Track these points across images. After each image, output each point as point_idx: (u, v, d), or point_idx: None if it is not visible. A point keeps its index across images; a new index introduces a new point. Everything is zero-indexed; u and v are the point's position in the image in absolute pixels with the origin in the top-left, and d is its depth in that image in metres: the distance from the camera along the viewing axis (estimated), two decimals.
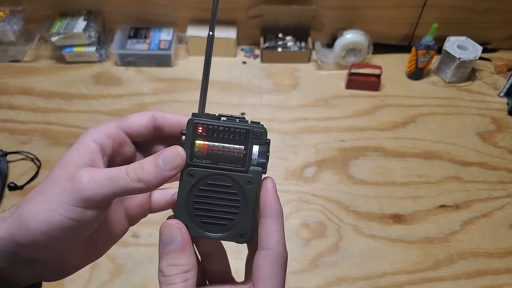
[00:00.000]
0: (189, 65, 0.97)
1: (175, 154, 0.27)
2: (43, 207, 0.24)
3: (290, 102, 0.89)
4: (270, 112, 0.86)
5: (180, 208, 0.28)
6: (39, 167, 0.75)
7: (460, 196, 0.73)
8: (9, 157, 0.76)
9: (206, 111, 0.29)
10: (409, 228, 0.68)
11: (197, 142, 0.28)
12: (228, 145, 0.28)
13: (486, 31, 0.99)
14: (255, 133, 0.29)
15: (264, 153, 0.30)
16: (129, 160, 0.30)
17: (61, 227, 0.24)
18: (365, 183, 0.74)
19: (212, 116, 0.28)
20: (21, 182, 0.73)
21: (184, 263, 0.26)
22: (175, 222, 0.27)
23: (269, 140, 0.30)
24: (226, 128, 0.28)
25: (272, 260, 0.27)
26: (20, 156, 0.76)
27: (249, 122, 0.29)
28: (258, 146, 0.29)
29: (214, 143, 0.28)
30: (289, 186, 0.73)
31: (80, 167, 0.26)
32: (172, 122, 0.30)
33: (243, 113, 0.85)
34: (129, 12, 0.98)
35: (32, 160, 0.76)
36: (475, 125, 0.85)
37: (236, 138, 0.29)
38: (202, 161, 0.28)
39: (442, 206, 0.72)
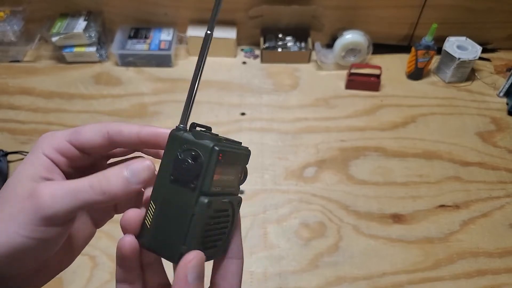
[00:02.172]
0: (189, 65, 0.97)
1: (144, 167, 0.25)
2: (2, 229, 0.23)
3: (290, 102, 0.89)
4: (270, 112, 0.86)
5: (195, 238, 0.26)
6: None
7: (460, 196, 0.73)
8: (9, 157, 0.76)
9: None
10: (409, 228, 0.68)
11: (217, 169, 0.26)
12: (230, 169, 0.28)
13: (486, 31, 0.99)
14: (248, 156, 0.29)
15: (246, 172, 0.30)
16: (88, 170, 0.28)
17: (24, 248, 0.23)
18: (365, 183, 0.74)
19: (215, 137, 0.27)
20: None
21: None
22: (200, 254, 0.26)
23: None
24: (235, 154, 0.28)
25: (239, 265, 0.29)
26: (21, 156, 0.77)
27: (230, 140, 0.28)
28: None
29: (224, 169, 0.27)
30: (289, 186, 0.73)
31: (37, 181, 0.24)
32: (130, 137, 0.27)
33: (243, 113, 0.85)
34: (129, 12, 0.98)
35: None
36: (475, 125, 0.85)
37: (237, 162, 0.28)
38: (216, 188, 0.27)
39: (442, 206, 0.72)
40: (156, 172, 0.27)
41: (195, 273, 0.25)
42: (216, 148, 0.26)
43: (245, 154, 0.29)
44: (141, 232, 0.27)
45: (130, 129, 0.27)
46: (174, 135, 0.26)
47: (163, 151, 0.27)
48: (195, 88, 0.28)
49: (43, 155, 0.26)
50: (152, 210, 0.26)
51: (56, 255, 0.27)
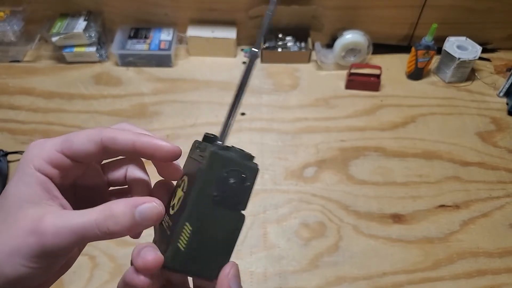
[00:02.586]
0: (189, 65, 0.97)
1: (154, 209, 0.25)
2: (7, 261, 0.23)
3: (290, 102, 0.89)
4: (270, 112, 0.86)
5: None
6: None
7: (460, 196, 0.73)
8: (9, 157, 0.76)
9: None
10: (409, 228, 0.68)
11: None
12: None
13: (486, 31, 0.99)
14: None
15: None
16: (81, 178, 0.28)
17: (28, 275, 0.23)
18: (365, 183, 0.74)
19: (243, 152, 0.27)
20: None
21: None
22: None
23: None
24: None
25: None
26: (21, 156, 0.76)
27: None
28: None
29: None
30: (289, 186, 0.73)
31: (39, 206, 0.24)
32: (125, 147, 0.26)
33: (243, 113, 0.85)
34: (129, 12, 0.98)
35: None
36: (475, 125, 0.85)
37: None
38: None
39: (442, 206, 0.72)
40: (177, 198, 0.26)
41: (236, 283, 0.25)
42: (258, 167, 0.26)
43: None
44: (170, 254, 0.25)
45: (125, 137, 0.26)
46: (217, 154, 0.25)
47: (168, 163, 0.27)
48: (237, 104, 0.26)
49: (36, 172, 0.25)
50: (187, 231, 0.25)
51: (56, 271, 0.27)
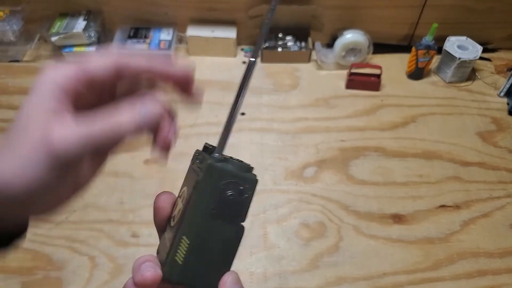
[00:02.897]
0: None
1: (156, 108, 0.25)
2: (19, 172, 0.24)
3: (290, 102, 0.89)
4: (270, 112, 0.86)
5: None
6: None
7: (460, 196, 0.73)
8: None
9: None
10: (409, 228, 0.68)
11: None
12: None
13: (486, 31, 0.99)
14: None
15: None
16: (93, 103, 0.28)
17: (40, 188, 0.24)
18: (365, 183, 0.74)
19: (241, 163, 0.26)
20: None
21: None
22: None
23: None
24: None
25: None
26: None
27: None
28: None
29: None
30: (289, 186, 0.73)
31: (49, 115, 0.24)
32: (139, 72, 0.27)
33: (243, 113, 0.85)
34: (129, 12, 0.98)
35: None
36: (475, 125, 0.85)
37: None
38: None
39: (442, 206, 0.72)
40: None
41: None
42: (258, 179, 0.25)
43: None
44: (168, 268, 0.25)
45: (138, 63, 0.26)
46: (213, 167, 0.25)
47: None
48: (233, 116, 0.26)
49: (51, 85, 0.25)
50: (185, 245, 0.25)
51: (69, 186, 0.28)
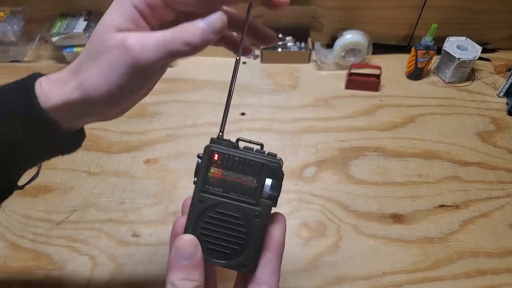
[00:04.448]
0: (189, 65, 0.97)
1: (218, 17, 0.27)
2: (103, 81, 0.26)
3: (290, 102, 0.89)
4: (270, 112, 0.86)
5: (188, 231, 0.28)
6: (39, 167, 0.75)
7: (460, 196, 0.73)
8: None
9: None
10: (409, 228, 0.68)
11: (212, 169, 0.28)
12: (241, 175, 0.28)
13: (486, 31, 1.00)
14: (269, 167, 0.29)
15: (277, 187, 0.29)
16: (166, 26, 0.29)
17: (122, 94, 0.26)
18: (364, 183, 0.75)
19: (231, 144, 0.29)
20: (21, 182, 0.72)
21: (197, 279, 0.26)
22: (193, 238, 0.27)
23: (283, 173, 0.29)
24: (242, 159, 0.28)
25: None
26: None
27: (266, 153, 0.29)
28: (271, 179, 0.29)
29: (228, 172, 0.28)
30: (289, 186, 0.73)
31: (126, 26, 0.26)
32: None
33: (243, 113, 0.85)
34: None
35: None
36: (475, 125, 0.85)
37: (250, 170, 0.28)
38: (214, 188, 0.28)
39: (442, 206, 0.72)
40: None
41: (179, 252, 0.27)
42: (212, 148, 0.28)
43: (262, 164, 0.28)
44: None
45: None
46: (205, 147, 0.29)
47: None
48: (229, 103, 0.30)
49: (130, 5, 0.26)
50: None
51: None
